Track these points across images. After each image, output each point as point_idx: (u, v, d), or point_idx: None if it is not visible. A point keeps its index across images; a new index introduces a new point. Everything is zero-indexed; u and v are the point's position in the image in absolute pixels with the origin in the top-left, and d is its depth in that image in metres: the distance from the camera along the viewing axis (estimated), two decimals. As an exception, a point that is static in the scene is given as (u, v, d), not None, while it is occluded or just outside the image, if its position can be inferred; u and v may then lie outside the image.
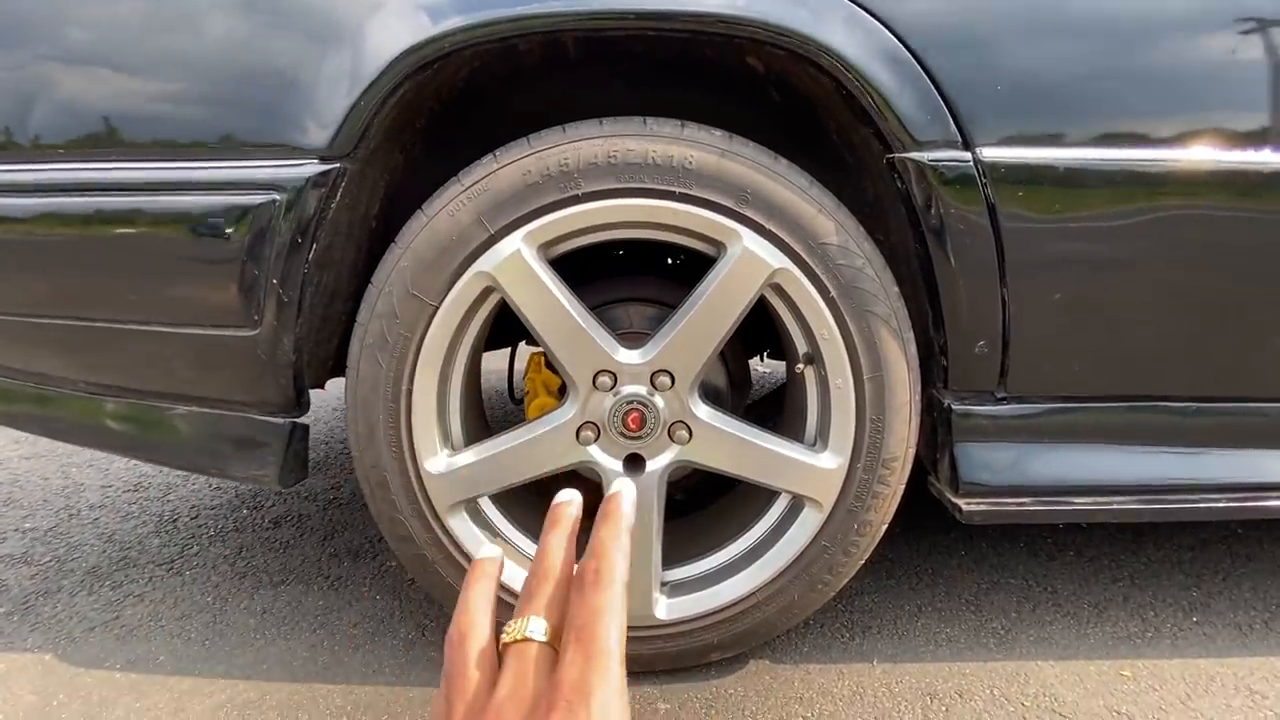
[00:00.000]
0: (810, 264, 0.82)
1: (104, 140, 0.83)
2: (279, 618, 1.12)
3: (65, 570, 1.28)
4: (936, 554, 1.30)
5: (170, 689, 0.96)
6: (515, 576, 0.90)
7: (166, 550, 1.35)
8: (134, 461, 1.84)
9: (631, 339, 0.89)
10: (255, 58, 0.81)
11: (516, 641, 0.30)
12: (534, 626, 0.30)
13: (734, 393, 1.09)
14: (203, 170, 0.82)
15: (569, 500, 0.35)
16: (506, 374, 1.44)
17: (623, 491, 0.34)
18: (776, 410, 1.21)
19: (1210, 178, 0.80)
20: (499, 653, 0.31)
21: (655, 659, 0.94)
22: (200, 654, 1.03)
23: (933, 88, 0.78)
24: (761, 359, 1.42)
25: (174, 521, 1.48)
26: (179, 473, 1.75)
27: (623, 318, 1.02)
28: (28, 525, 1.48)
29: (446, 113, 0.97)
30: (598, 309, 0.95)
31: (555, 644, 0.30)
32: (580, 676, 0.27)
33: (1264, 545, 1.34)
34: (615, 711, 0.27)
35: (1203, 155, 0.80)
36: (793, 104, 0.97)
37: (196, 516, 1.50)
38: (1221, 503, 0.93)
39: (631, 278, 1.09)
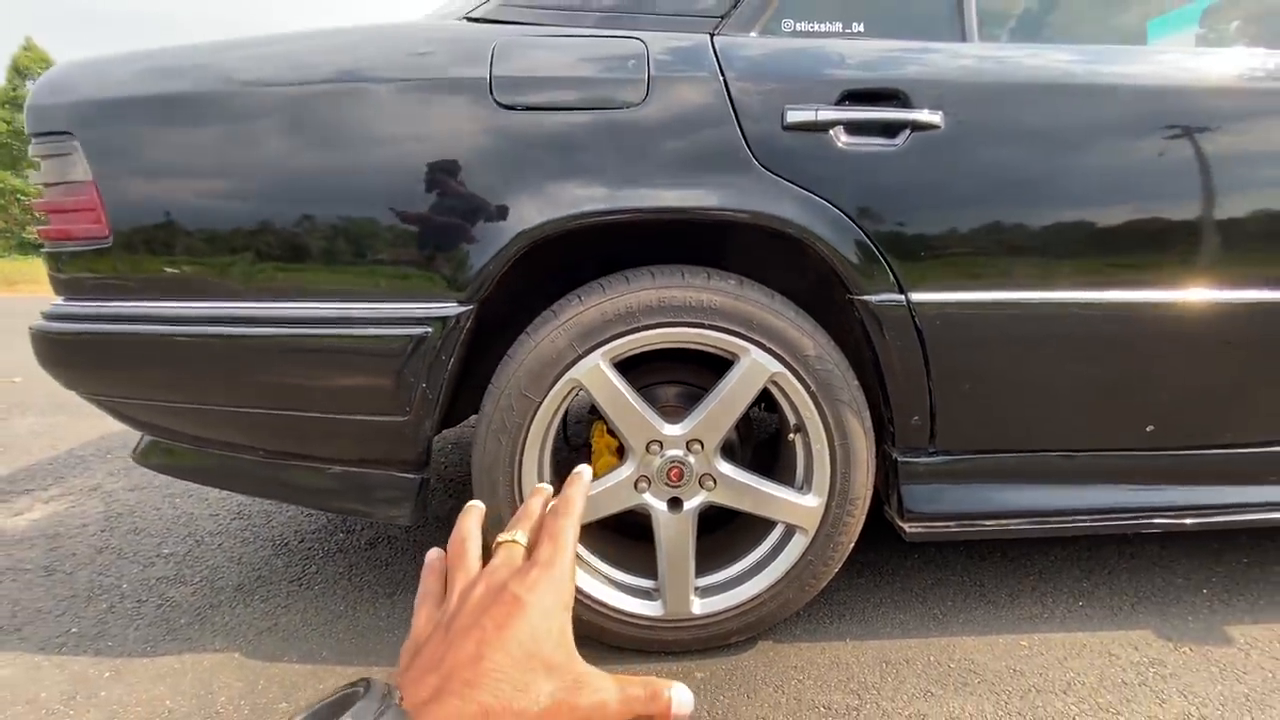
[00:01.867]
0: (797, 369, 1.20)
1: (312, 285, 1.18)
2: (402, 619, 1.48)
3: (217, 588, 1.62)
4: (895, 558, 1.69)
5: (340, 675, 1.31)
6: (583, 582, 1.27)
7: (291, 569, 1.70)
8: (228, 494, 2.18)
9: (670, 412, 1.26)
10: (427, 240, 1.16)
11: (506, 542, 0.44)
12: (519, 536, 0.44)
13: (743, 444, 1.47)
14: (380, 310, 1.17)
15: (544, 487, 0.50)
16: (561, 424, 1.79)
17: (583, 472, 0.49)
18: (772, 453, 1.59)
19: (1057, 309, 1.19)
20: (491, 550, 0.44)
21: (692, 642, 1.31)
22: (352, 649, 1.39)
23: (878, 254, 1.16)
24: (760, 408, 1.80)
25: (286, 545, 1.83)
26: (271, 502, 2.09)
27: (660, 394, 1.39)
28: (165, 551, 1.82)
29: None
30: (642, 389, 1.32)
31: (529, 551, 0.44)
32: (549, 556, 0.42)
33: (1146, 546, 1.75)
34: (567, 577, 0.41)
35: (1053, 294, 1.19)
36: (790, 244, 1.34)
37: (303, 540, 1.85)
38: (1087, 523, 1.32)
39: (659, 362, 1.46)
